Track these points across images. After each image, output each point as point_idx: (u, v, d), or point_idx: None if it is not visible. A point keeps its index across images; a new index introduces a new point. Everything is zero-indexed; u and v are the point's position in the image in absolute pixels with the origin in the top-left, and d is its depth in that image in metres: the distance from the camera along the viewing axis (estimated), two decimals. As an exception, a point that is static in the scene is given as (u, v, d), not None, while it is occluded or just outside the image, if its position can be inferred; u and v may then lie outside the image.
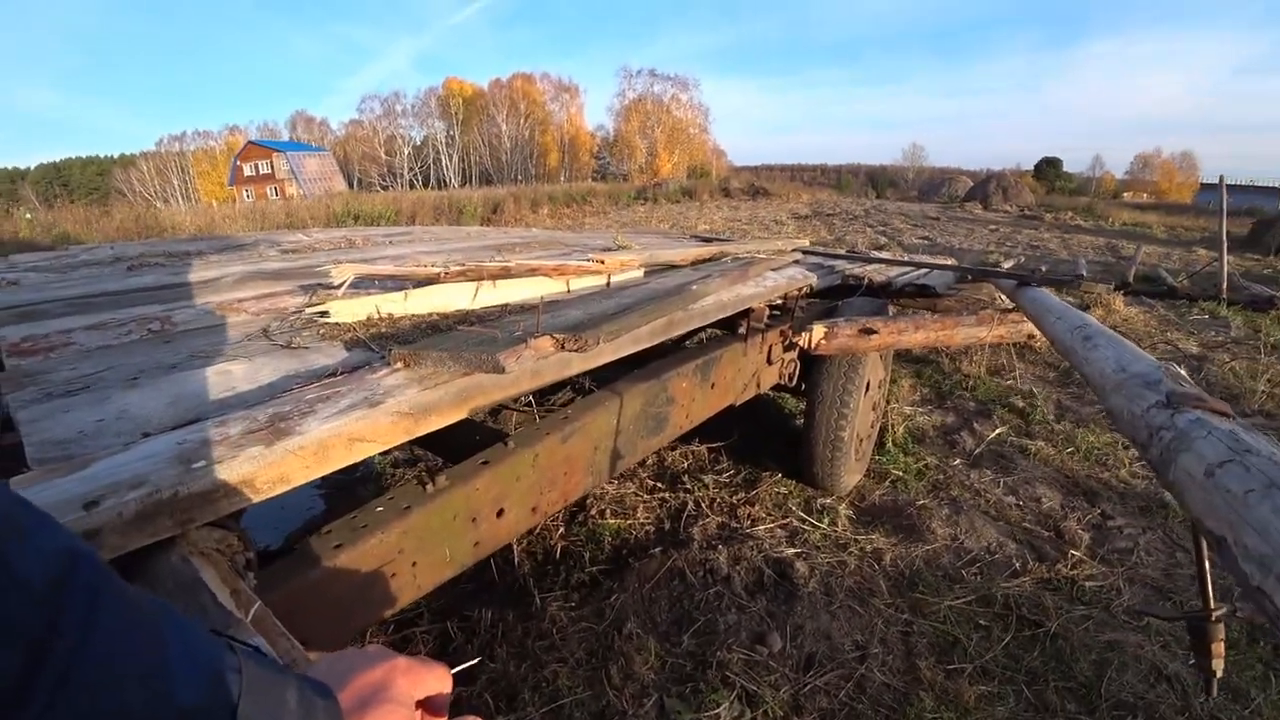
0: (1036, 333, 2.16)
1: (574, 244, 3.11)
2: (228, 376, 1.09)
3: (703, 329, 1.75)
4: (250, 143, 50.78)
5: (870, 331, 2.10)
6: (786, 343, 2.16)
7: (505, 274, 1.59)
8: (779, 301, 2.07)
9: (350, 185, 47.62)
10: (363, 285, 1.82)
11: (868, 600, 1.95)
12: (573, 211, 21.19)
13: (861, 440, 2.63)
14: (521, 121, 50.11)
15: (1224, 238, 6.64)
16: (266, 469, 0.81)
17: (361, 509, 1.07)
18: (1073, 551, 2.26)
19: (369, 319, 1.51)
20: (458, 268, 1.58)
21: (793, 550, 2.18)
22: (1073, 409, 3.72)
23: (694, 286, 1.62)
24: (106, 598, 0.33)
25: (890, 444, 3.06)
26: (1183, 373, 1.04)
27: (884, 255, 3.53)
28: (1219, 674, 0.91)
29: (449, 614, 1.93)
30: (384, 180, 48.90)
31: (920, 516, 2.45)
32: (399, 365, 1.09)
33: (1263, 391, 3.90)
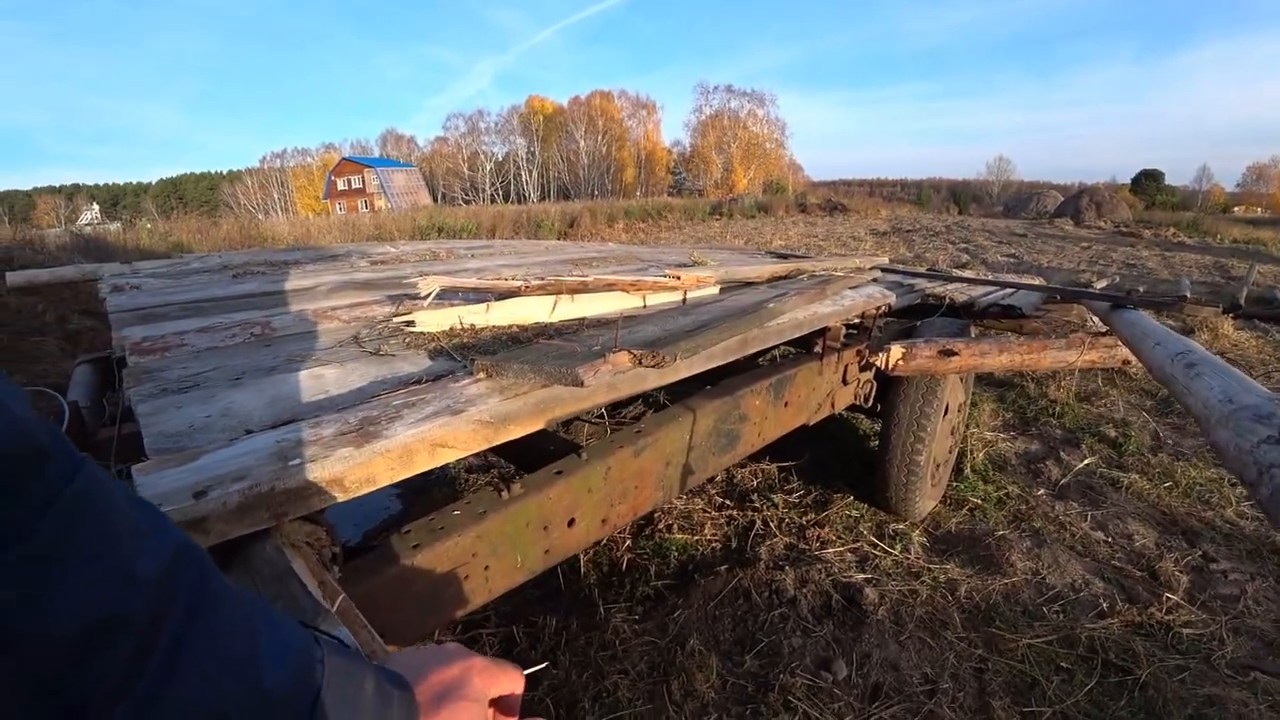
0: (1132, 358, 2.05)
1: (649, 259, 3.17)
2: (320, 380, 1.17)
3: (776, 346, 1.76)
4: (343, 159, 54.09)
5: (950, 353, 2.04)
6: (863, 362, 2.14)
7: (583, 288, 1.65)
8: (856, 320, 2.05)
9: (435, 199, 49.84)
10: (446, 296, 1.93)
11: (939, 632, 1.89)
12: (648, 226, 21.41)
13: (939, 465, 2.55)
14: (600, 138, 51.23)
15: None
16: (355, 469, 0.86)
17: (439, 512, 1.12)
18: (1168, 595, 2.11)
19: (452, 329, 1.60)
20: (538, 282, 1.66)
21: (862, 576, 2.13)
22: (1172, 441, 3.47)
23: (770, 305, 1.64)
24: (208, 593, 0.35)
25: (969, 470, 2.95)
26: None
27: (966, 274, 3.40)
28: None
29: (515, 619, 2.00)
30: (466, 195, 50.96)
31: (999, 548, 2.35)
32: (481, 375, 1.14)
33: (1401, 431, 3.52)
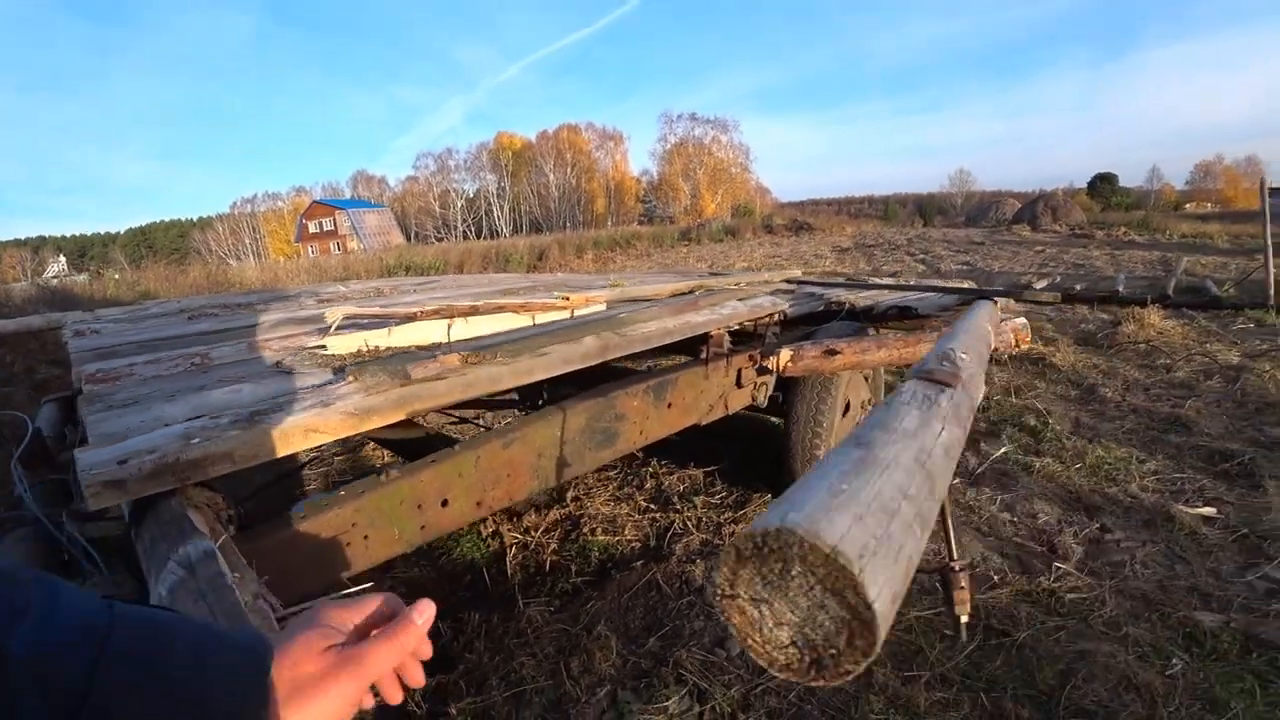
0: (1004, 346, 2.21)
1: (578, 284, 3.32)
2: (238, 393, 1.36)
3: (651, 352, 1.91)
4: (314, 202, 54.33)
5: (834, 352, 2.19)
6: (757, 366, 2.28)
7: (475, 312, 1.79)
8: (737, 327, 2.20)
9: (408, 238, 50.11)
10: (366, 325, 2.07)
11: (833, 610, 2.01)
12: (616, 255, 21.70)
13: (848, 459, 2.69)
14: (569, 170, 52.00)
15: (1269, 241, 6.38)
16: (242, 446, 1.08)
17: (328, 492, 1.28)
18: (1057, 564, 2.25)
19: (359, 351, 1.74)
20: (433, 307, 1.79)
21: (769, 564, 2.25)
22: (1090, 425, 3.66)
23: (631, 314, 1.79)
24: None
25: (888, 464, 3.10)
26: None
27: (884, 282, 3.60)
28: (964, 619, 1.14)
29: (443, 616, 2.10)
30: (439, 232, 51.31)
31: (905, 532, 2.48)
32: (350, 378, 1.32)
33: (1303, 400, 3.75)
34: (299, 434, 1.14)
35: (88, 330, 2.68)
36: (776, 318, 2.41)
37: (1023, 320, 2.44)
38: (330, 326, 1.79)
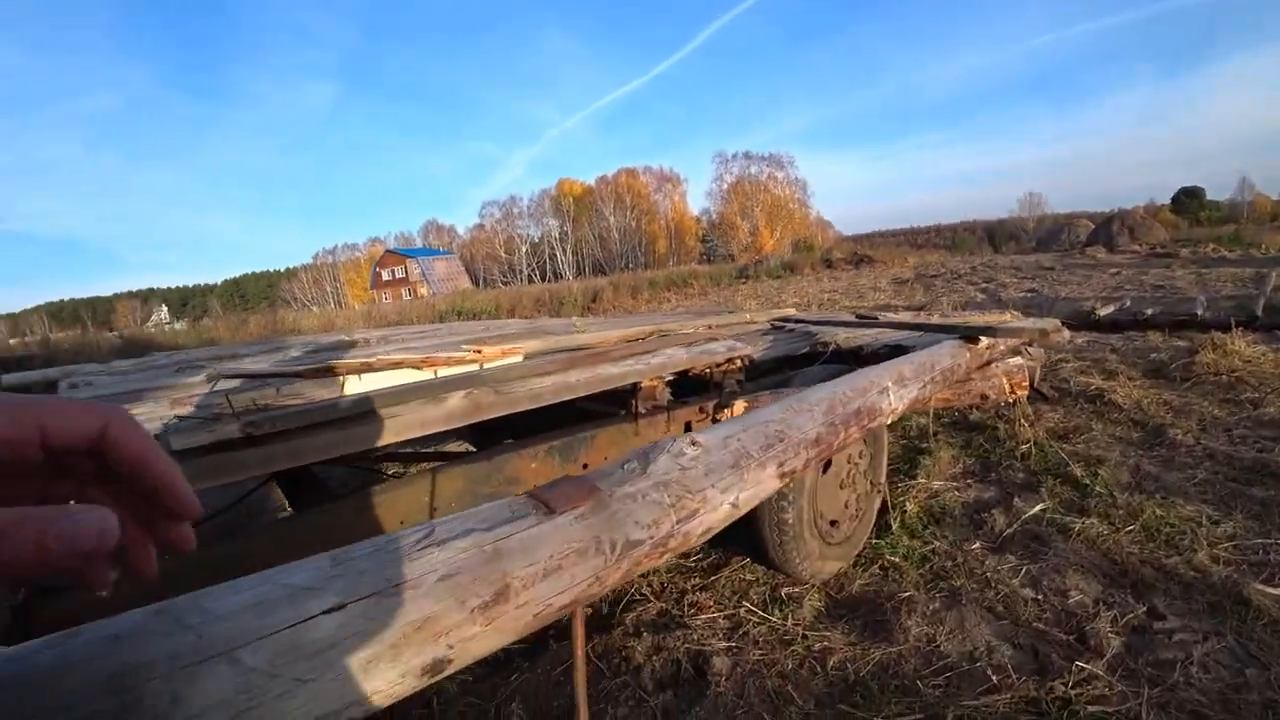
0: (993, 392, 1.88)
1: (555, 329, 3.16)
2: None
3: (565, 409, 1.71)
4: (387, 251, 57.49)
5: (795, 401, 1.91)
6: (710, 418, 2.02)
7: (367, 368, 1.63)
8: (672, 377, 1.95)
9: (475, 283, 52.07)
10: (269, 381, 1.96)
11: (782, 708, 1.67)
12: (671, 295, 21.65)
13: (835, 522, 2.36)
14: (628, 213, 53.03)
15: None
16: None
17: None
18: (1078, 663, 1.83)
19: (248, 406, 1.61)
20: (320, 365, 1.65)
21: (724, 644, 1.94)
22: (1152, 475, 3.13)
23: (529, 368, 1.58)
24: None
25: (896, 526, 2.71)
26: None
27: (896, 318, 3.24)
28: None
29: None
30: (504, 277, 53.08)
31: (898, 611, 2.11)
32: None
33: None
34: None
35: (81, 384, 2.75)
36: (738, 363, 2.15)
37: (1018, 361, 2.09)
38: (211, 387, 1.69)
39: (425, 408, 1.31)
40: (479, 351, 1.77)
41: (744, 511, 1.04)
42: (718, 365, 2.05)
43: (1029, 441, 3.62)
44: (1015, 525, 2.71)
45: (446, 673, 0.62)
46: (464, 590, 0.63)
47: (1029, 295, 10.83)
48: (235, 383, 1.67)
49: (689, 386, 2.16)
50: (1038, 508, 2.83)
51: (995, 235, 39.32)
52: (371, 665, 0.54)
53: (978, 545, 2.57)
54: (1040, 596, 2.22)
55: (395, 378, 1.66)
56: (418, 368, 1.68)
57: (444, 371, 1.70)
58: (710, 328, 2.47)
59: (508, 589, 0.67)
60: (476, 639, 0.63)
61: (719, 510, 0.95)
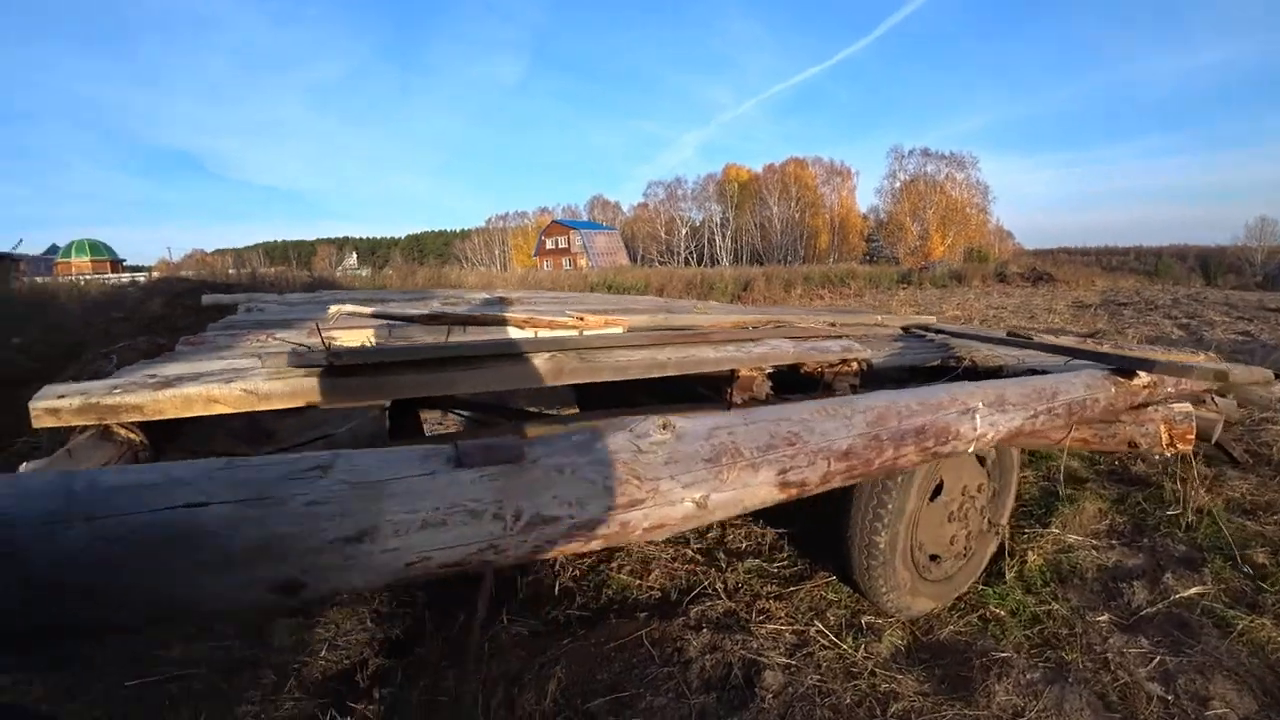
0: (1144, 440, 1.63)
1: (679, 309, 3.19)
2: (218, 363, 1.55)
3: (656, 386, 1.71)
4: (553, 221, 60.53)
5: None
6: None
7: (473, 321, 1.76)
8: (772, 370, 1.87)
9: (633, 260, 53.43)
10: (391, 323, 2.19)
11: (828, 744, 1.60)
12: (826, 293, 20.86)
13: (936, 557, 2.18)
14: (793, 204, 51.58)
15: None
16: (149, 402, 1.26)
17: None
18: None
19: (362, 344, 1.82)
20: (428, 312, 1.81)
21: (783, 659, 1.88)
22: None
23: (621, 340, 1.61)
24: None
25: (1011, 575, 2.45)
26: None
27: (1055, 340, 2.87)
28: None
29: (431, 605, 2.16)
30: (662, 257, 53.98)
31: (987, 671, 1.91)
32: (263, 365, 1.39)
33: None
34: (200, 401, 1.27)
35: (255, 308, 3.24)
36: (854, 366, 2.04)
37: (1186, 408, 1.76)
38: (333, 318, 1.91)
39: (506, 364, 1.40)
40: (581, 319, 1.83)
41: (718, 516, 0.97)
42: (830, 365, 1.96)
43: (1200, 509, 3.09)
44: (1160, 605, 2.34)
45: (301, 596, 0.69)
46: (326, 522, 0.69)
47: (1240, 339, 9.11)
48: (360, 320, 1.88)
49: (799, 384, 2.09)
50: (1194, 589, 2.42)
51: (1210, 265, 33.15)
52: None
53: (1105, 618, 2.25)
54: (1171, 697, 1.90)
55: (497, 334, 1.78)
56: (520, 327, 1.78)
57: (544, 334, 1.79)
58: (833, 325, 2.36)
59: (375, 530, 0.69)
60: (336, 570, 0.69)
61: (676, 506, 0.88)
